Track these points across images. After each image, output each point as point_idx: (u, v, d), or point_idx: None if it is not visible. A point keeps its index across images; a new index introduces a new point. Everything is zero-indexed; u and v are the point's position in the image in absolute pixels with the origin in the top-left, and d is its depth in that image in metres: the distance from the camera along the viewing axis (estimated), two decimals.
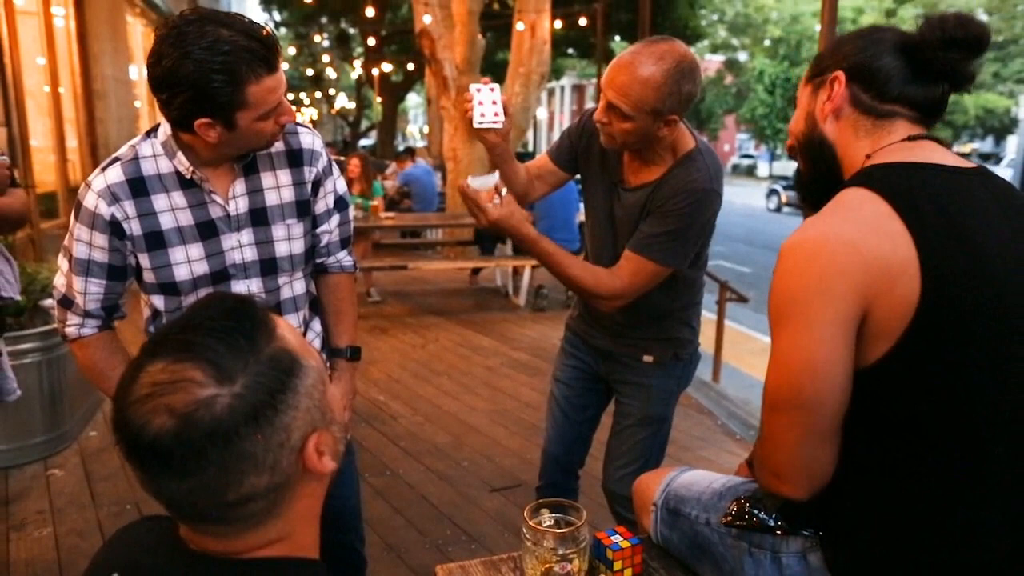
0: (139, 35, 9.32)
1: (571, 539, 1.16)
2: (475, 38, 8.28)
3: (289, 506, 0.73)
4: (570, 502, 1.23)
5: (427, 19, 8.16)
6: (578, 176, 1.96)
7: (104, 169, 1.34)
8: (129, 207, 1.33)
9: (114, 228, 1.33)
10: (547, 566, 1.15)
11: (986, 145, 34.37)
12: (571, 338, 2.07)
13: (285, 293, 1.51)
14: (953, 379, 0.94)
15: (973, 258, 0.93)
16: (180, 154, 1.33)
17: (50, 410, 3.25)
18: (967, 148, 34.22)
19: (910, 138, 1.04)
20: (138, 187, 1.34)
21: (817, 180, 1.11)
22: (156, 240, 1.36)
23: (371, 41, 17.28)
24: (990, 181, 1.02)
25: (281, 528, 0.73)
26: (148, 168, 1.35)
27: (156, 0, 9.24)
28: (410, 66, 19.69)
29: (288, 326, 0.75)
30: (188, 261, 1.38)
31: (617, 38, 15.52)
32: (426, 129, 21.83)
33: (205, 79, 1.17)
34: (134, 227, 1.34)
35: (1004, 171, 24.79)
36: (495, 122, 1.69)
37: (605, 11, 10.48)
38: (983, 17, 28.78)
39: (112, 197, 1.32)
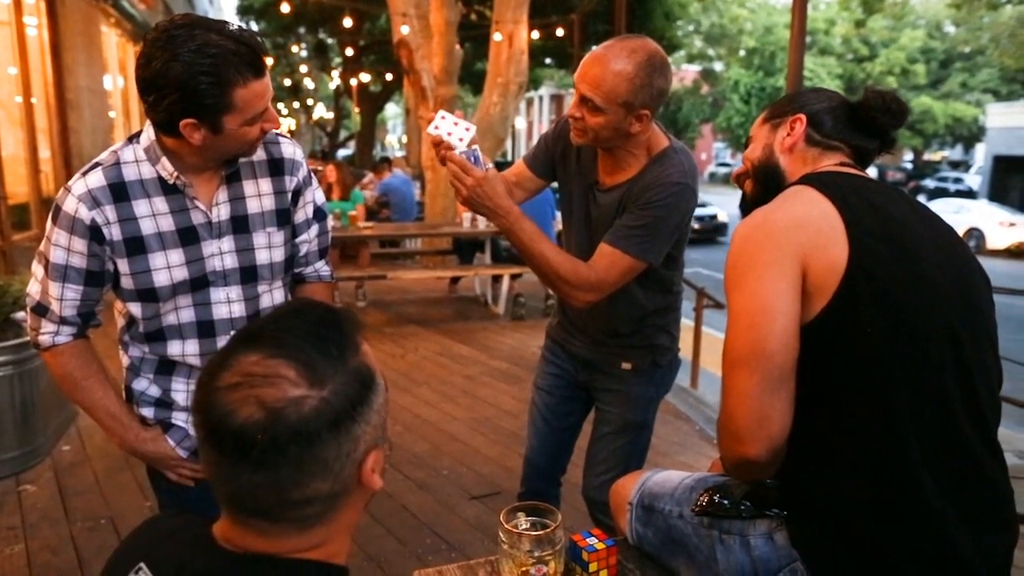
0: (114, 45, 9.24)
1: (547, 541, 1.18)
2: (453, 48, 8.32)
3: (336, 515, 0.75)
4: (546, 505, 1.24)
5: (405, 30, 8.19)
6: (555, 184, 1.98)
7: (85, 174, 1.34)
8: (110, 212, 1.33)
9: (94, 233, 1.32)
10: (523, 569, 1.17)
11: (955, 153, 35.11)
12: (551, 346, 2.08)
13: (264, 301, 1.51)
14: (879, 337, 1.06)
15: (890, 227, 1.12)
16: (164, 159, 1.33)
17: (22, 424, 3.20)
18: (937, 156, 34.95)
19: (842, 164, 1.26)
20: (119, 192, 1.33)
21: (764, 201, 1.23)
22: (136, 245, 1.35)
23: (349, 51, 17.30)
24: (905, 195, 1.25)
25: (323, 534, 0.75)
26: (130, 173, 1.35)
27: (131, 11, 9.17)
28: (388, 76, 19.69)
29: (366, 344, 0.78)
30: (168, 267, 1.38)
31: (594, 48, 15.67)
32: (405, 139, 21.82)
33: (193, 80, 1.19)
34: (114, 232, 1.33)
35: (973, 178, 25.39)
36: (469, 135, 1.59)
37: (582, 22, 10.59)
38: (950, 29, 29.50)
39: (93, 201, 1.31)
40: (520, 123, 36.36)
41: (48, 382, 3.29)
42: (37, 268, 1.39)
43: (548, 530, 1.19)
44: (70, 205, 1.32)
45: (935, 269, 1.12)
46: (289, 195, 1.51)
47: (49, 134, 6.35)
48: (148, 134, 1.35)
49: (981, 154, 28.02)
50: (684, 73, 35.25)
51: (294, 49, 22.27)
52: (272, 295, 1.53)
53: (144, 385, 1.49)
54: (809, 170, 1.26)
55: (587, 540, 1.25)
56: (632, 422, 1.94)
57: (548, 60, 18.31)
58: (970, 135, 30.60)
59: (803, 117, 1.28)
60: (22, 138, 5.67)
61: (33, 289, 1.40)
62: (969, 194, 22.70)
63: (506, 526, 1.19)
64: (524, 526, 1.23)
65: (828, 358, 1.08)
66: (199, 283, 1.42)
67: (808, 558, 1.13)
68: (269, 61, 1.33)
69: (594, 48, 1.62)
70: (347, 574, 0.78)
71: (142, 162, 1.35)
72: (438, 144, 1.59)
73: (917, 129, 28.72)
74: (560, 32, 11.53)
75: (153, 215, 1.36)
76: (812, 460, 1.11)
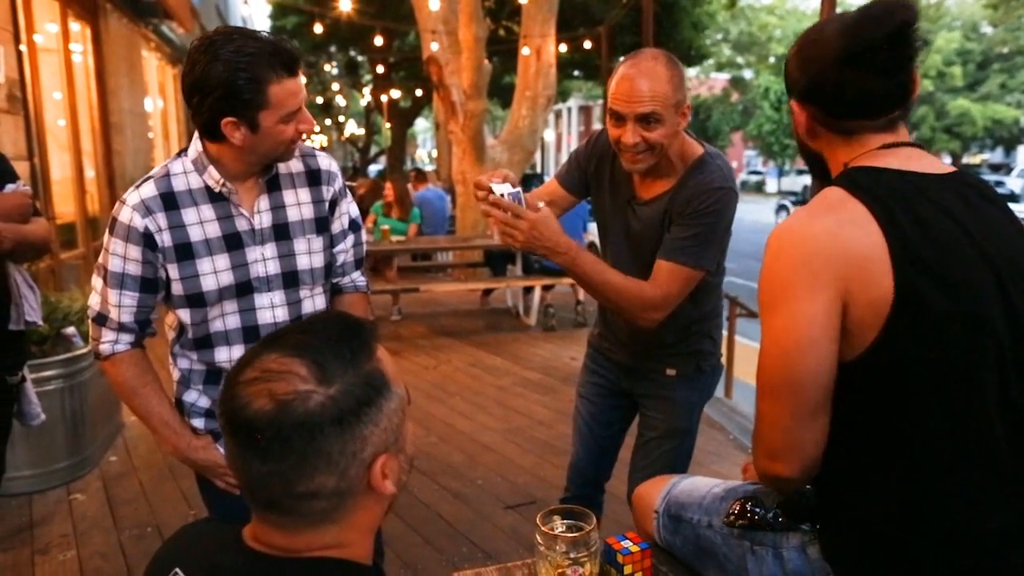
0: (154, 69, 9.55)
1: (583, 543, 1.20)
2: (482, 63, 8.41)
3: (348, 515, 0.78)
4: (581, 509, 1.26)
5: (434, 46, 8.31)
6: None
7: (138, 186, 1.44)
8: (161, 219, 1.42)
9: (147, 240, 1.41)
10: (560, 570, 1.19)
11: (996, 156, 34.23)
12: (593, 355, 2.09)
13: (307, 307, 1.58)
14: (929, 372, 1.01)
15: (939, 252, 1.01)
16: (211, 168, 1.43)
17: (72, 436, 3.32)
18: (977, 159, 34.10)
19: (885, 146, 1.08)
20: (169, 201, 1.43)
21: (822, 174, 1.18)
22: (185, 251, 1.44)
23: (380, 68, 17.55)
24: (965, 185, 1.08)
25: (337, 534, 0.78)
26: (179, 184, 1.44)
27: (170, 35, 9.48)
28: (418, 92, 19.91)
29: (387, 354, 0.82)
30: (215, 272, 1.46)
31: (621, 59, 15.70)
32: (435, 153, 22.05)
33: (233, 77, 1.29)
34: (165, 239, 1.42)
35: (1015, 181, 24.70)
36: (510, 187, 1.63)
37: (609, 33, 10.62)
38: (987, 30, 28.86)
39: (146, 210, 1.41)
40: (549, 135, 36.49)
41: (96, 395, 3.41)
42: (96, 280, 1.47)
43: (584, 532, 1.21)
44: (125, 215, 1.41)
45: (986, 298, 1.02)
46: (327, 204, 1.58)
47: (94, 156, 6.57)
48: (195, 146, 1.44)
49: (1023, 156, 27.27)
50: (713, 82, 35.07)
51: (326, 68, 22.69)
52: (314, 300, 1.59)
53: (194, 397, 1.55)
54: (844, 158, 1.11)
55: (622, 543, 1.27)
56: (677, 428, 1.94)
57: (576, 72, 18.35)
58: (1011, 137, 29.83)
59: (795, 104, 1.13)
60: (69, 160, 5.88)
61: (93, 300, 1.48)
62: (1012, 198, 22.03)
63: (542, 528, 1.22)
64: (560, 529, 1.25)
65: (867, 389, 1.04)
66: (244, 288, 1.49)
67: (842, 572, 1.11)
68: (303, 80, 1.41)
69: (621, 74, 1.63)
70: (370, 571, 0.80)
71: (190, 173, 1.45)
72: (483, 189, 1.60)
73: (955, 132, 28.10)
74: (588, 44, 11.58)
75: (200, 222, 1.44)
76: (846, 474, 1.09)
